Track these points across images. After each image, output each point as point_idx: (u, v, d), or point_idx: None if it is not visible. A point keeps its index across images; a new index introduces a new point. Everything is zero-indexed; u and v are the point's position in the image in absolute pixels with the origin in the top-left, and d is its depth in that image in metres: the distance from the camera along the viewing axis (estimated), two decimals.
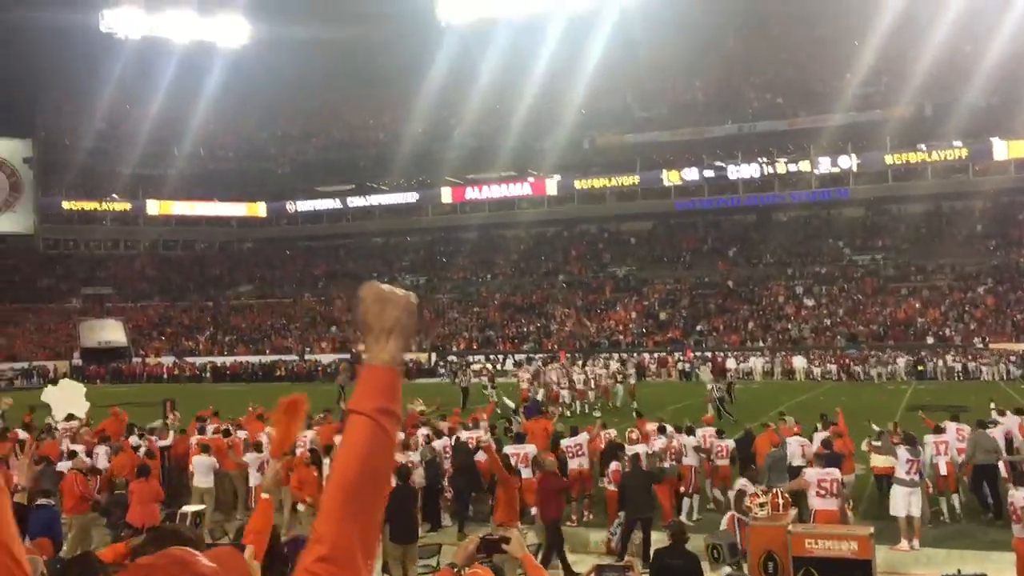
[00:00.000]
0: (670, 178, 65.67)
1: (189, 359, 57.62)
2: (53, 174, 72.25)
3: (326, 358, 55.16)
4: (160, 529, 3.19)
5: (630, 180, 67.43)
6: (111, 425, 19.07)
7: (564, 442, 14.91)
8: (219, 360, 57.17)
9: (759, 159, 63.31)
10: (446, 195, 72.90)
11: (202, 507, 11.23)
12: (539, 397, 27.51)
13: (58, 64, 70.35)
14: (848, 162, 60.87)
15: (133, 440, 16.63)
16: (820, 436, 14.89)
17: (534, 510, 12.30)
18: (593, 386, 31.27)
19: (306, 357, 56.31)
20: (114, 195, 74.85)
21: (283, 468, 14.02)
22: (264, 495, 4.83)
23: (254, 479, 14.47)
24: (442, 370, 50.49)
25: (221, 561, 1.62)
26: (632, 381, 33.81)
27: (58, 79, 72.09)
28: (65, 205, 73.38)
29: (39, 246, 73.50)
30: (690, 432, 15.44)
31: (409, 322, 1.69)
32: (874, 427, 16.02)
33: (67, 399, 11.92)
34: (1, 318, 63.10)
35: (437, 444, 15.63)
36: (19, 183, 72.91)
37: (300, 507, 13.12)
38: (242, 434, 17.02)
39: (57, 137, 72.95)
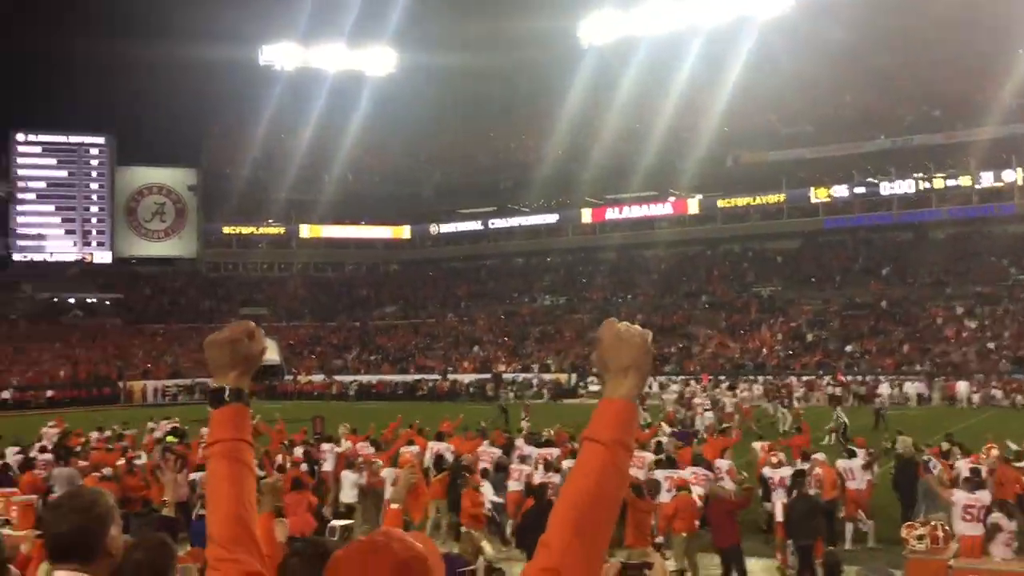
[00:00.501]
0: (818, 195, 63.70)
1: (338, 377, 59.54)
2: (215, 201, 76.77)
3: (467, 377, 55.98)
4: (305, 541, 3.28)
5: (775, 198, 65.76)
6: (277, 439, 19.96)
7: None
8: (364, 378, 58.86)
9: (914, 174, 60.58)
10: (586, 215, 73.02)
11: (350, 522, 11.51)
12: (698, 422, 27.33)
13: (220, 97, 75.03)
14: (1012, 176, 57.43)
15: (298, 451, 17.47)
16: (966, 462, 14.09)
17: (660, 538, 12.06)
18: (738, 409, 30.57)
19: (448, 376, 57.26)
20: (269, 220, 78.77)
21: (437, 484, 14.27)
22: (393, 506, 4.89)
23: (388, 493, 14.69)
24: (582, 391, 50.39)
25: (420, 540, 1.69)
26: (796, 405, 32.76)
27: (220, 111, 76.74)
28: (225, 230, 77.82)
29: (202, 269, 78.03)
30: (851, 454, 14.87)
31: (645, 359, 1.79)
32: (1010, 445, 14.99)
33: None
34: (168, 337, 67.22)
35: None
36: (184, 210, 77.88)
37: (465, 529, 13.03)
38: (414, 448, 17.57)
39: (218, 165, 77.38)
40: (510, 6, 68.91)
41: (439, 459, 16.08)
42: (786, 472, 13.50)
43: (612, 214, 72.14)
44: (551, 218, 75.08)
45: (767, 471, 14.29)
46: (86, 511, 2.69)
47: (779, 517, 12.77)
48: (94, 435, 23.24)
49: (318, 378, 59.53)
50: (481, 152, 77.91)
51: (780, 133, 66.44)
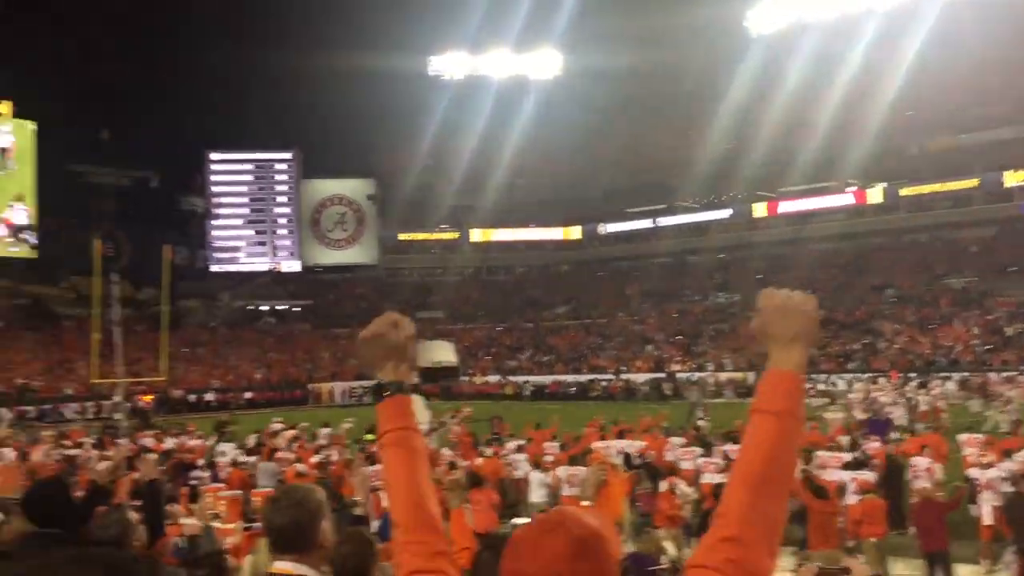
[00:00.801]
0: (1014, 179, 59.31)
1: (512, 378, 60.45)
2: (388, 208, 79.97)
3: (640, 377, 55.53)
4: (492, 536, 3.42)
5: (966, 184, 61.70)
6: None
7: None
8: (538, 379, 59.47)
9: None
10: (759, 209, 70.99)
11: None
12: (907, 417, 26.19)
13: (391, 107, 77.74)
14: None
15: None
16: None
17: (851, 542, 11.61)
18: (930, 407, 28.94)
19: (621, 376, 57.02)
20: (442, 225, 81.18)
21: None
22: (584, 503, 4.98)
23: (564, 490, 14.80)
24: None
25: (595, 516, 1.71)
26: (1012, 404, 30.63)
27: (391, 121, 79.55)
28: (400, 236, 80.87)
29: (382, 275, 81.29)
30: None
31: (813, 327, 1.77)
32: None
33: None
34: (352, 341, 70.11)
35: None
36: (364, 218, 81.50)
37: (661, 531, 12.94)
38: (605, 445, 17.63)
39: (390, 174, 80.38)
40: (675, 1, 68.00)
41: (627, 457, 16.10)
42: (994, 474, 12.68)
43: (786, 207, 69.77)
44: (723, 213, 73.46)
45: (975, 472, 13.45)
46: (299, 505, 2.90)
47: (987, 520, 12.05)
48: (325, 431, 24.02)
49: (493, 379, 60.65)
50: (647, 150, 77.14)
51: (971, 115, 62.25)
